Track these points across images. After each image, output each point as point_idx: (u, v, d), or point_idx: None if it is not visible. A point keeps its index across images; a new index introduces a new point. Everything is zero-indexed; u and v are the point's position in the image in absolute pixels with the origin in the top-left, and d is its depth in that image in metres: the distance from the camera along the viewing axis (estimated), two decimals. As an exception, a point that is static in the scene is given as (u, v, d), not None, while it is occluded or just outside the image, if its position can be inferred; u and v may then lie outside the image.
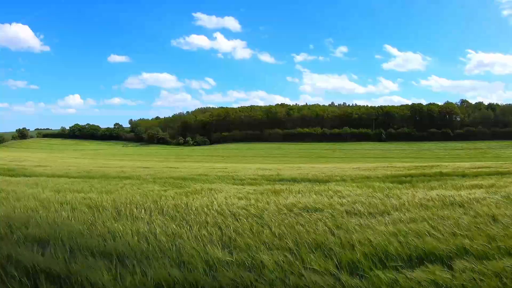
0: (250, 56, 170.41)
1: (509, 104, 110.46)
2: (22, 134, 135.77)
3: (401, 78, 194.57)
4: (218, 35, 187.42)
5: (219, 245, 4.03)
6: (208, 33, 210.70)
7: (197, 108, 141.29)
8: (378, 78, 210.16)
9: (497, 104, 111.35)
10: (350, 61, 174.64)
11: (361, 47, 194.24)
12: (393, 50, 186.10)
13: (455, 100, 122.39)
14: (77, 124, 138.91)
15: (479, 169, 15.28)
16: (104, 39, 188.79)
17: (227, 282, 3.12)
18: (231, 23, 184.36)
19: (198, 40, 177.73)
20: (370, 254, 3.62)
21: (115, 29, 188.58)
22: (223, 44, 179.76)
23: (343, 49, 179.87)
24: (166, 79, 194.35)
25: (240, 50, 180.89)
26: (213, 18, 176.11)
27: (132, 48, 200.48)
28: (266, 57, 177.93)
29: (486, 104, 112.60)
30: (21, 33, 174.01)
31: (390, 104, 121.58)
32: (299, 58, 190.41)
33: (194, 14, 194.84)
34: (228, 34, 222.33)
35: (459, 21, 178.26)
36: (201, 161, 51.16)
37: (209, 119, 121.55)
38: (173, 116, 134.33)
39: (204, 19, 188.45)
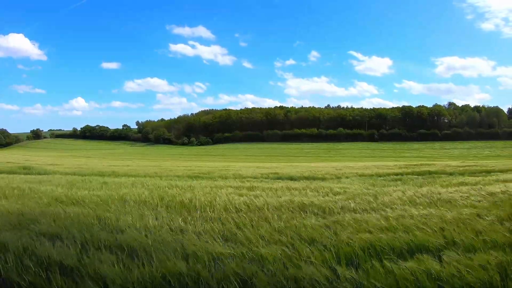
0: (232, 63, 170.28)
1: (493, 106, 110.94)
2: (36, 135, 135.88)
3: (375, 81, 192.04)
4: (196, 43, 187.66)
5: (221, 239, 4.03)
6: (185, 42, 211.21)
7: (199, 110, 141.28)
8: (354, 82, 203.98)
9: (483, 107, 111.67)
10: (325, 65, 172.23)
11: (331, 51, 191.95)
12: (358, 55, 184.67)
13: (436, 102, 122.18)
14: (87, 125, 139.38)
15: (466, 168, 15.27)
16: (95, 48, 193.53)
17: (229, 274, 3.11)
18: (205, 32, 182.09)
19: (180, 49, 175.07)
20: (364, 248, 3.62)
21: (105, 38, 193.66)
22: (205, 51, 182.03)
23: (315, 53, 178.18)
24: (158, 84, 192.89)
25: (220, 57, 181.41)
26: (187, 28, 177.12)
27: (122, 55, 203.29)
28: (247, 64, 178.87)
29: (472, 106, 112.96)
30: (20, 43, 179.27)
31: (376, 107, 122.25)
32: (277, 64, 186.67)
33: (166, 26, 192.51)
34: (205, 42, 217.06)
35: (425, 27, 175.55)
36: (205, 161, 51.12)
37: (212, 121, 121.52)
38: (177, 117, 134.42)
39: (179, 30, 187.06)
